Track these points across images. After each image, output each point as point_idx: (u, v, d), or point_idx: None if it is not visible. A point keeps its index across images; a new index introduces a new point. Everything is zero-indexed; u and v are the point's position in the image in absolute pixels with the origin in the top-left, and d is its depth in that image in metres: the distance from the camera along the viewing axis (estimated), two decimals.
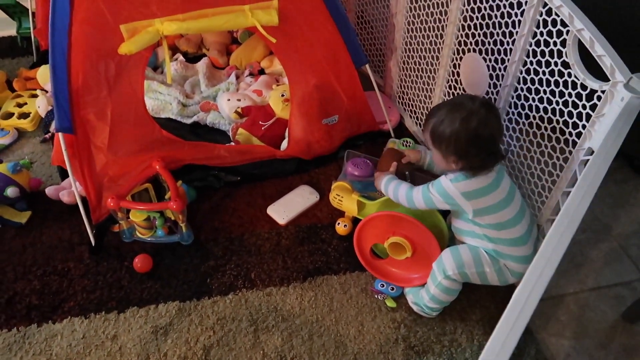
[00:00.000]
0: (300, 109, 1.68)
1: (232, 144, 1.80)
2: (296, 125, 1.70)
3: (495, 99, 1.40)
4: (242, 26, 1.47)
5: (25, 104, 2.05)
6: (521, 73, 1.26)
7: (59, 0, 1.27)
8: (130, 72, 1.44)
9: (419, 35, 1.71)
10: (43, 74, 2.09)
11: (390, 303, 1.40)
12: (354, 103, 1.76)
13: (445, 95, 1.67)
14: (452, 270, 1.24)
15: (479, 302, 1.41)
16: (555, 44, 1.10)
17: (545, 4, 1.09)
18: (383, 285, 1.43)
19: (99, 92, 1.40)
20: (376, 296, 1.42)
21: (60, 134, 1.36)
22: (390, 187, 1.35)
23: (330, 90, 1.70)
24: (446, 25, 1.52)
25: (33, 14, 2.24)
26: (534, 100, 1.24)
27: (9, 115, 2.00)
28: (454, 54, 1.54)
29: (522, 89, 1.28)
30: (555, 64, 1.11)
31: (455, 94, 1.60)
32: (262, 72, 2.19)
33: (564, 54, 1.08)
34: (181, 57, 2.25)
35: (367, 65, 1.74)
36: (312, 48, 1.60)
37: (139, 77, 1.47)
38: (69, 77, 1.34)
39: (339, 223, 1.58)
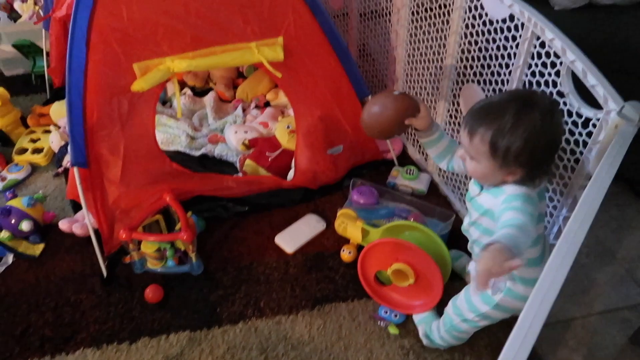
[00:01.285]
0: (306, 140, 1.73)
1: (240, 175, 1.85)
2: (302, 156, 1.75)
3: None
4: (248, 62, 1.54)
5: (39, 139, 2.12)
6: None
7: (76, 42, 1.34)
8: (142, 108, 1.50)
9: (419, 67, 1.77)
10: (56, 110, 2.16)
11: (393, 330, 1.41)
12: (358, 133, 1.81)
13: (446, 125, 1.71)
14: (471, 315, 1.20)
15: (487, 329, 1.41)
16: (549, 74, 1.15)
17: (539, 37, 1.15)
18: (387, 312, 1.45)
19: (112, 128, 1.45)
20: (379, 323, 1.43)
21: (75, 169, 1.41)
22: (504, 238, 0.86)
23: (334, 122, 1.75)
24: (445, 57, 1.58)
25: (47, 53, 2.32)
26: None
27: (23, 150, 2.06)
28: (454, 85, 1.59)
29: None
30: (551, 93, 1.16)
31: (457, 123, 1.65)
32: (267, 104, 2.25)
33: (558, 84, 1.13)
34: (189, 92, 2.32)
35: (369, 97, 1.79)
36: (316, 81, 1.66)
37: (150, 113, 1.53)
38: (84, 114, 1.39)
39: (343, 250, 1.61)
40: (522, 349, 0.72)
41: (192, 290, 1.53)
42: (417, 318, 1.43)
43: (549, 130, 0.95)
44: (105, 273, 1.53)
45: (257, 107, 2.22)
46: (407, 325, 1.43)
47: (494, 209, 1.04)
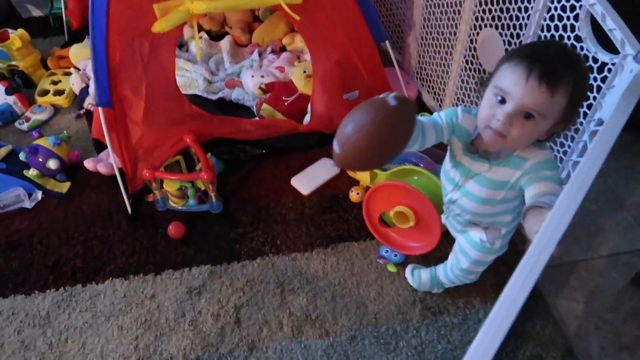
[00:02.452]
0: (322, 84, 1.75)
1: (257, 118, 1.88)
2: (318, 101, 1.78)
3: None
4: (267, 4, 1.54)
5: (60, 81, 2.16)
6: None
7: None
8: (163, 50, 1.52)
9: (437, 12, 1.75)
10: (76, 52, 2.19)
11: (392, 268, 1.48)
12: (374, 79, 1.82)
13: (463, 71, 1.72)
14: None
15: (493, 268, 1.47)
16: (568, 18, 1.14)
17: None
18: (387, 252, 1.51)
19: (134, 69, 1.49)
20: (379, 261, 1.50)
21: (100, 109, 1.46)
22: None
23: (351, 67, 1.76)
24: (463, 1, 1.56)
25: None
26: None
27: (45, 92, 2.11)
28: (471, 30, 1.59)
29: None
30: (569, 38, 1.16)
31: (472, 69, 1.65)
32: (283, 49, 2.25)
33: (576, 28, 1.13)
34: (205, 35, 2.32)
35: (386, 42, 1.79)
36: (333, 25, 1.66)
37: (170, 54, 1.55)
38: (108, 56, 1.42)
39: (352, 191, 1.67)
40: (524, 286, 0.76)
41: (212, 228, 1.61)
42: (424, 279, 1.42)
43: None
44: (130, 210, 1.61)
45: (273, 51, 2.22)
46: (406, 265, 1.49)
47: (510, 180, 1.00)
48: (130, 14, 1.42)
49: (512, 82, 0.87)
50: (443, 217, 1.29)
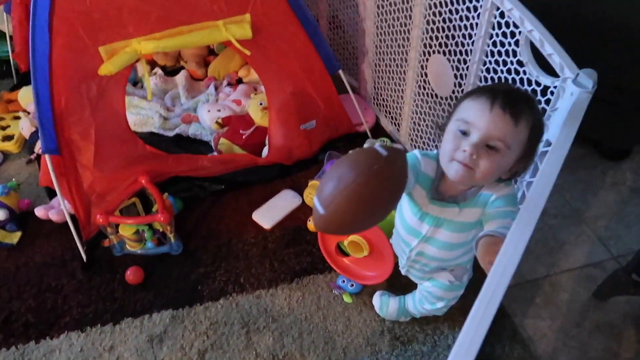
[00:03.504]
0: (279, 116, 1.74)
1: (215, 153, 1.85)
2: (275, 133, 1.76)
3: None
4: (217, 41, 1.53)
5: (9, 126, 2.08)
6: (482, 72, 1.33)
7: (39, 26, 1.32)
8: (112, 91, 1.49)
9: (388, 39, 1.78)
10: (25, 95, 2.12)
11: (347, 299, 1.46)
12: (330, 107, 1.83)
13: (416, 96, 1.74)
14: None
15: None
16: (509, 44, 1.17)
17: (498, 7, 1.17)
18: (344, 281, 1.49)
19: (82, 113, 1.44)
20: (334, 291, 1.48)
21: (46, 156, 1.41)
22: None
23: (306, 97, 1.76)
24: (411, 28, 1.59)
25: (10, 37, 2.26)
26: None
27: None
28: (421, 56, 1.61)
29: None
30: (512, 62, 1.19)
31: (425, 94, 1.67)
32: (240, 81, 2.24)
33: (518, 53, 1.16)
34: (160, 71, 2.30)
35: (340, 70, 1.80)
36: (286, 57, 1.66)
37: (120, 95, 1.52)
38: (52, 101, 1.38)
39: (310, 220, 1.65)
40: (489, 308, 0.76)
41: (172, 270, 1.56)
42: (392, 309, 1.39)
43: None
44: (85, 257, 1.54)
45: (229, 84, 2.21)
46: (362, 296, 1.48)
47: (480, 218, 0.98)
48: (74, 57, 1.39)
49: (476, 112, 0.87)
50: (403, 269, 1.26)
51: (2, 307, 1.47)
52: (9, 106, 2.17)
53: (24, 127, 2.01)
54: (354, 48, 2.12)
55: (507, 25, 1.16)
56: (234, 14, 1.50)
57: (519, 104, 0.87)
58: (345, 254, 1.53)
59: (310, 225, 1.65)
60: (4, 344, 1.38)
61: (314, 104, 1.79)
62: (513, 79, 1.21)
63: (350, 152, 0.78)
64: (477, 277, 1.39)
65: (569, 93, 1.04)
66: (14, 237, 1.65)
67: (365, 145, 1.85)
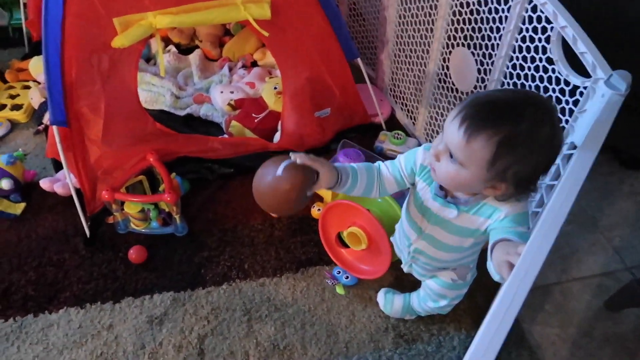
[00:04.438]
0: (293, 102, 1.70)
1: (226, 136, 1.82)
2: (288, 118, 1.72)
3: None
4: (234, 20, 1.49)
5: (18, 95, 2.06)
6: (507, 68, 1.28)
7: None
8: (124, 65, 1.46)
9: (410, 29, 1.73)
10: (35, 65, 2.09)
11: (340, 290, 1.43)
12: (346, 96, 1.78)
13: (435, 89, 1.69)
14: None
15: (466, 293, 1.45)
16: (540, 40, 1.12)
17: (531, 1, 1.12)
18: (339, 272, 1.46)
19: (92, 86, 1.41)
20: (327, 281, 1.45)
21: (54, 127, 1.38)
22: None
23: (322, 83, 1.72)
24: (436, 19, 1.54)
25: (24, 4, 2.23)
26: None
27: (2, 106, 2.01)
28: (444, 48, 1.56)
29: (508, 84, 1.30)
30: (540, 59, 1.14)
31: (445, 88, 1.63)
32: (254, 64, 2.20)
33: (548, 50, 1.11)
34: (174, 49, 2.26)
35: (359, 58, 1.76)
36: (303, 41, 1.62)
37: (132, 70, 1.48)
38: (63, 71, 1.35)
39: (314, 207, 1.62)
40: (508, 314, 0.73)
41: (176, 252, 1.53)
42: (397, 306, 1.37)
43: (556, 148, 0.83)
44: (88, 233, 1.52)
45: (243, 66, 2.17)
46: (357, 288, 1.44)
47: (481, 229, 0.95)
48: (88, 27, 1.35)
49: (447, 119, 0.85)
50: (405, 266, 1.24)
51: (2, 279, 1.44)
52: (19, 75, 2.15)
53: (34, 97, 1.99)
54: (374, 37, 2.06)
55: (539, 20, 1.11)
56: None
57: (480, 122, 0.79)
58: (345, 246, 1.49)
59: (314, 212, 1.61)
60: (2, 316, 1.36)
61: (329, 91, 1.75)
62: (540, 76, 1.16)
63: (272, 158, 0.97)
64: (484, 280, 1.36)
65: (599, 94, 0.99)
66: (18, 208, 1.62)
67: (380, 138, 1.81)
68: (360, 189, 1.02)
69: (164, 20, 1.38)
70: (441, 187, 0.98)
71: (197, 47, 2.31)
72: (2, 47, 2.39)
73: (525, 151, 0.79)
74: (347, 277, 1.45)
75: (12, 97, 2.05)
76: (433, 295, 1.24)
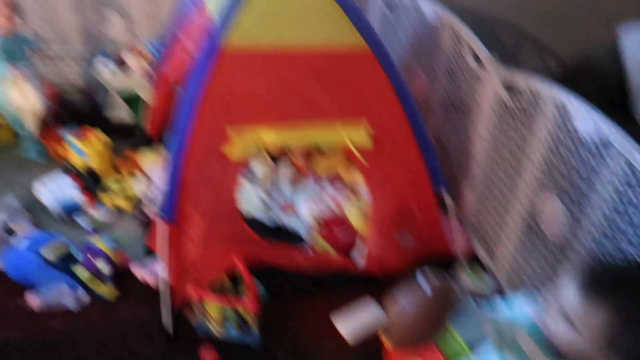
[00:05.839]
0: (379, 227, 1.75)
1: (308, 249, 1.88)
2: (373, 243, 1.77)
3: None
4: (334, 142, 1.61)
5: (124, 182, 2.24)
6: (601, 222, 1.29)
7: (186, 108, 1.48)
8: (230, 172, 1.59)
9: (496, 168, 1.77)
10: (145, 157, 2.29)
11: None
12: (430, 225, 1.81)
13: (518, 239, 1.68)
14: None
15: None
16: None
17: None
18: None
19: (202, 188, 1.55)
20: None
21: (161, 222, 1.50)
22: None
23: (407, 210, 1.77)
24: (525, 163, 1.57)
25: (146, 105, 2.49)
26: None
27: (109, 190, 2.19)
28: (531, 193, 1.58)
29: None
30: None
31: (531, 235, 1.61)
32: (340, 180, 2.30)
33: None
34: (269, 159, 2.42)
35: (443, 188, 1.81)
36: (394, 167, 1.71)
37: (236, 178, 1.61)
38: (182, 174, 1.50)
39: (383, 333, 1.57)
40: None
41: None
42: None
43: None
44: (170, 330, 1.56)
45: (330, 181, 2.27)
46: None
47: None
48: (208, 135, 1.51)
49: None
50: None
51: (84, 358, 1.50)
52: (129, 165, 2.35)
53: (139, 187, 2.17)
54: (457, 170, 2.12)
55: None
56: (350, 116, 1.59)
57: (597, 286, 0.79)
58: None
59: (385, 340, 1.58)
60: None
61: (413, 218, 1.79)
62: None
63: (390, 297, 0.96)
64: None
65: None
66: (112, 293, 1.71)
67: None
68: None
69: (270, 136, 1.52)
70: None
71: (285, 155, 2.45)
72: (123, 139, 2.54)
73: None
74: None
75: (119, 182, 2.24)
76: None
